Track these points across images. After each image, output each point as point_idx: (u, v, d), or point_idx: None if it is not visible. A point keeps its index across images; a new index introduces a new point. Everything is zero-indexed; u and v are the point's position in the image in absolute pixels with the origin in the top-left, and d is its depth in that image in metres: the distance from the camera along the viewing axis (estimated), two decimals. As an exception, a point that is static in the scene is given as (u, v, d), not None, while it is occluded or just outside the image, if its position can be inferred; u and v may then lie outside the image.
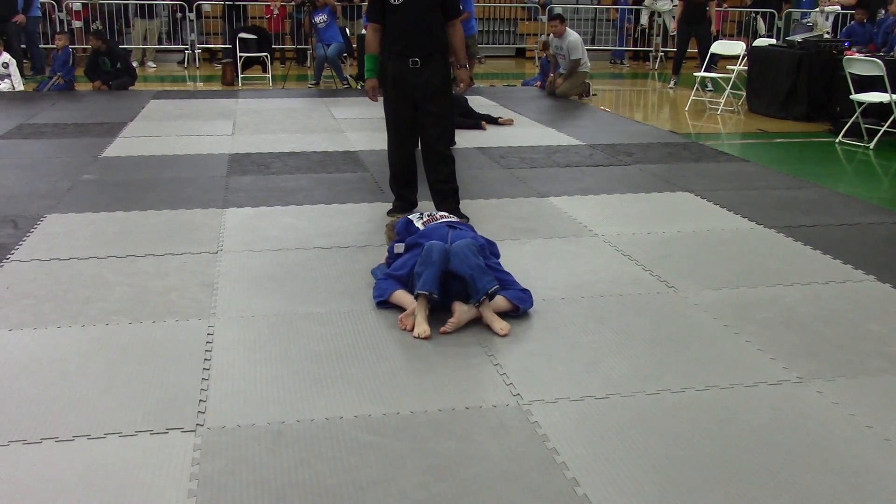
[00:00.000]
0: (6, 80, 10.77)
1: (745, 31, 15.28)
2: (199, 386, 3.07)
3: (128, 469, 2.54)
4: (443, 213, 4.26)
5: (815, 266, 4.49)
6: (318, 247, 4.69)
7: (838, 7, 13.60)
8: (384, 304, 3.79)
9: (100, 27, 13.56)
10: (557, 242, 4.75)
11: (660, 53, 15.48)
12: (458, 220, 4.25)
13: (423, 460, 2.62)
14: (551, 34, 11.03)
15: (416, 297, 3.58)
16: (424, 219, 4.15)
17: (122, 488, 2.45)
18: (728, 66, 10.76)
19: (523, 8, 17.08)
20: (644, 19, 15.39)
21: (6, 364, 3.23)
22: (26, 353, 3.32)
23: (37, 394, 2.99)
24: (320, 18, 11.76)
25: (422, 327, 3.52)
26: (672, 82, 12.48)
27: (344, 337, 3.51)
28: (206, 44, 14.89)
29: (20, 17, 12.37)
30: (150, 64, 14.40)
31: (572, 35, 10.68)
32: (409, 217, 4.22)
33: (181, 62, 14.47)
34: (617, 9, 16.22)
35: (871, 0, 12.83)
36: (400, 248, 4.00)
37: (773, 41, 11.79)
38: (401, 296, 3.74)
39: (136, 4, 14.03)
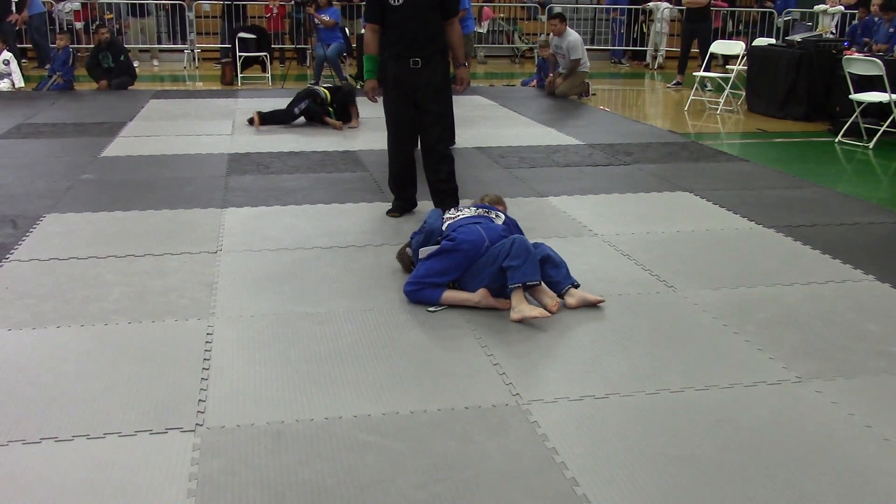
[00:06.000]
0: (7, 79, 10.77)
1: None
2: (198, 386, 3.07)
3: (127, 469, 2.54)
4: (465, 212, 4.18)
5: (814, 266, 4.49)
6: (318, 246, 4.69)
7: (841, 7, 13.61)
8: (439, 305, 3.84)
9: (111, 18, 13.60)
10: (557, 242, 4.74)
11: (659, 53, 15.46)
12: (483, 208, 4.22)
13: (422, 460, 2.62)
14: (551, 33, 11.02)
15: (516, 291, 3.68)
16: (449, 214, 4.16)
17: (121, 488, 2.45)
18: (727, 66, 10.76)
19: (523, 7, 17.07)
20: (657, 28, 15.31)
21: (5, 364, 3.22)
22: (25, 353, 3.32)
23: (36, 394, 2.99)
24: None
25: (537, 310, 3.65)
26: (675, 81, 12.47)
27: (343, 337, 3.51)
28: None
29: (15, 17, 12.40)
30: (155, 62, 14.42)
31: (572, 35, 10.67)
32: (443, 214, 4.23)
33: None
34: (614, 8, 16.19)
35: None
36: (426, 251, 3.98)
37: (773, 41, 11.79)
38: (452, 297, 3.81)
39: (129, 4, 14.04)
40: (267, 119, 8.51)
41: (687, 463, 2.63)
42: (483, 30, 16.14)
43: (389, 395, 3.03)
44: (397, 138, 5.22)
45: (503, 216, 4.19)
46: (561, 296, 3.85)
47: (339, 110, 8.55)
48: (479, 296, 3.76)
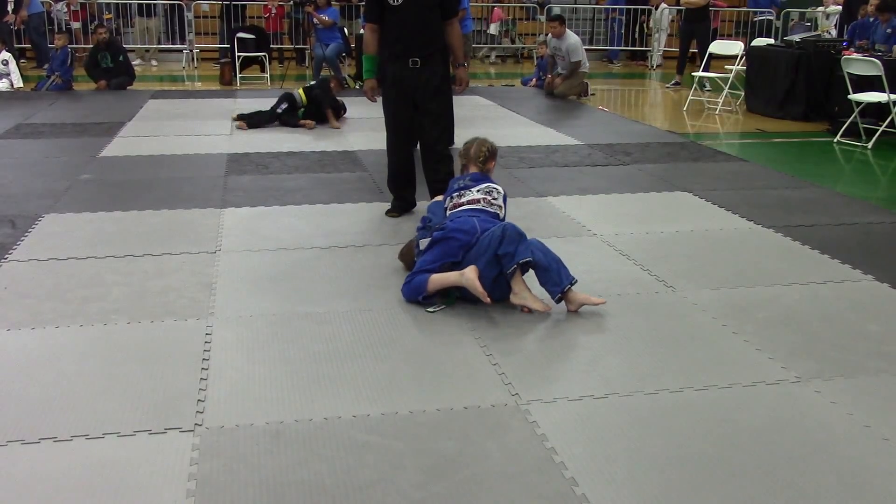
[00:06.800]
0: (5, 79, 10.76)
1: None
2: (197, 386, 3.07)
3: (126, 469, 2.54)
4: (469, 196, 4.15)
5: (813, 266, 4.49)
6: (317, 246, 4.69)
7: (839, 7, 13.62)
8: (427, 298, 3.79)
9: (110, 18, 13.61)
10: (556, 242, 4.74)
11: (658, 52, 15.46)
12: (485, 184, 4.21)
13: (421, 460, 2.62)
14: (550, 34, 11.01)
15: (515, 276, 3.71)
16: (455, 200, 4.15)
17: (120, 488, 2.45)
18: (726, 66, 10.77)
19: (522, 7, 17.07)
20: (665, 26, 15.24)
21: (4, 364, 3.22)
22: (24, 353, 3.32)
23: (35, 394, 2.99)
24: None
25: (539, 303, 3.71)
26: (674, 81, 12.48)
27: (342, 337, 3.51)
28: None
29: (11, 17, 12.41)
30: (153, 62, 14.44)
31: (572, 37, 10.64)
32: (446, 205, 4.21)
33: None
34: (613, 8, 16.19)
35: None
36: (424, 243, 4.02)
37: (772, 41, 11.80)
38: (438, 279, 3.77)
39: (137, 3, 14.05)
40: (247, 119, 8.56)
41: (686, 463, 2.63)
42: (494, 31, 16.15)
43: (389, 395, 3.02)
44: (396, 138, 5.23)
45: (501, 192, 4.21)
46: (557, 301, 3.80)
47: (313, 109, 8.57)
48: (468, 270, 3.67)
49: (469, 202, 4.09)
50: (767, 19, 15.07)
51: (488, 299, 3.64)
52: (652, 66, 15.38)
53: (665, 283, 4.19)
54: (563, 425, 2.84)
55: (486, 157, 4.33)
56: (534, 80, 12.04)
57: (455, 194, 4.20)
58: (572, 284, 3.77)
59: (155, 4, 14.13)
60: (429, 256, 3.88)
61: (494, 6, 16.20)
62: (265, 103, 9.39)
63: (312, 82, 9.43)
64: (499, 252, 3.70)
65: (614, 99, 11.60)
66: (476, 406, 2.96)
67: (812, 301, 3.99)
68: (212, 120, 8.83)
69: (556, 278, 3.76)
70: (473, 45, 15.52)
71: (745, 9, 16.04)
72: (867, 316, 3.81)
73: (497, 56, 16.32)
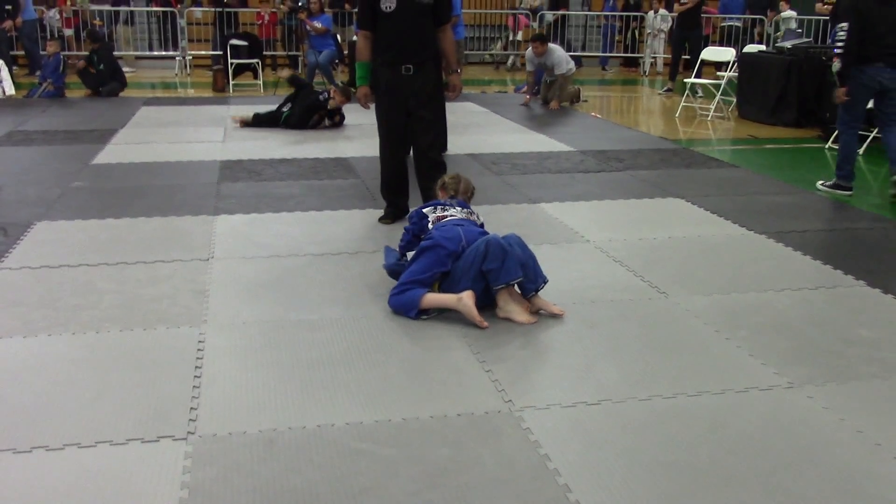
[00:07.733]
0: (-3, 86, 10.75)
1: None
2: (190, 393, 3.06)
3: (119, 477, 2.53)
4: (452, 212, 4.15)
5: (805, 271, 4.50)
6: (310, 253, 4.69)
7: (792, 13, 13.81)
8: (419, 313, 3.75)
9: (97, 28, 13.61)
10: (549, 248, 4.76)
11: (650, 59, 15.51)
12: (466, 209, 4.22)
13: (415, 467, 2.62)
14: (531, 50, 10.97)
15: (501, 290, 3.72)
16: (437, 213, 4.13)
17: (113, 497, 2.44)
18: (718, 73, 10.81)
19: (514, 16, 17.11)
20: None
21: (-4, 372, 3.21)
22: (16, 361, 3.31)
23: (27, 402, 2.98)
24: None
25: (525, 315, 3.73)
26: (666, 88, 12.53)
27: (336, 344, 3.51)
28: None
29: (8, 24, 12.40)
30: (128, 68, 14.37)
31: (556, 52, 10.62)
32: (424, 210, 4.18)
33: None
34: (607, 15, 16.25)
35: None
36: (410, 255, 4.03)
37: (763, 47, 11.86)
38: (432, 299, 3.76)
39: (120, 11, 14.07)
40: (257, 122, 8.73)
41: (679, 469, 2.63)
42: (520, 37, 16.21)
43: (382, 402, 3.02)
44: (389, 145, 5.23)
45: (481, 220, 4.23)
46: (528, 300, 3.82)
47: (296, 112, 8.69)
48: (465, 297, 3.67)
49: (451, 216, 4.09)
50: (735, 26, 15.19)
51: (485, 325, 3.65)
52: (645, 73, 15.43)
53: (658, 289, 4.20)
54: (557, 432, 2.84)
55: (468, 186, 4.43)
56: (524, 88, 12.05)
57: (439, 206, 4.19)
58: (545, 284, 3.83)
59: (132, 12, 14.16)
60: (417, 266, 3.86)
61: (517, 13, 16.22)
62: (258, 110, 9.41)
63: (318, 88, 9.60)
64: (483, 268, 3.71)
65: (606, 105, 11.63)
66: (469, 413, 2.96)
67: (804, 306, 4.01)
68: (205, 127, 8.83)
69: (532, 275, 3.80)
70: (499, 53, 15.57)
71: (736, 16, 16.11)
72: (859, 321, 3.83)
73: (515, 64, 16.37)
